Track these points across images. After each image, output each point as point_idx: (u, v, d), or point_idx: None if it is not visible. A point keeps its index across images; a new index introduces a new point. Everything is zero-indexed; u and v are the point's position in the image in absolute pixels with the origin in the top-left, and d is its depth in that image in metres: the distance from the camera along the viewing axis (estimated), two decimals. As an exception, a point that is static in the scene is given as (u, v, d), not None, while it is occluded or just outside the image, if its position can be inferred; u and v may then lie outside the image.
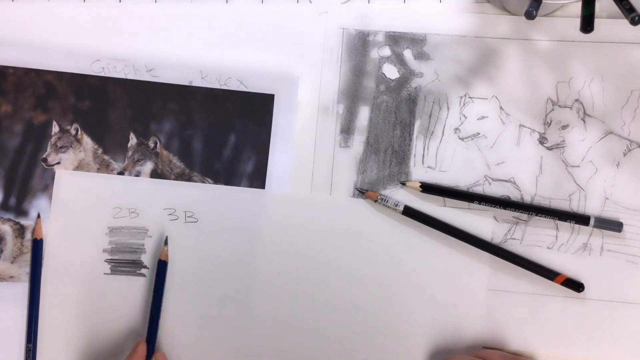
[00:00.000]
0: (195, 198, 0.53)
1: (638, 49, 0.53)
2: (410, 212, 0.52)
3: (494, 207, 0.52)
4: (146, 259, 0.53)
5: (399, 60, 0.55)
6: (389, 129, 0.54)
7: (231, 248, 0.53)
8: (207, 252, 0.53)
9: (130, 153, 0.54)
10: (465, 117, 0.54)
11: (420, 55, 0.54)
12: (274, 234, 0.53)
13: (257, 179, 0.54)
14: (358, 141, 0.54)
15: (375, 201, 0.52)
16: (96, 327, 0.52)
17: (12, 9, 0.56)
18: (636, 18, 0.41)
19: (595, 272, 0.52)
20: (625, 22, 0.43)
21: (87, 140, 0.54)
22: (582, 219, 0.52)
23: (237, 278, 0.53)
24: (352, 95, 0.54)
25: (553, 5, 0.52)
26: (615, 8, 0.44)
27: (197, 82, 0.55)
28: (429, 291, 0.52)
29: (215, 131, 0.54)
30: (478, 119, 0.54)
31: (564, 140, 0.53)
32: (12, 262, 0.53)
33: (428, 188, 0.52)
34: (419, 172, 0.54)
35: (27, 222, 0.53)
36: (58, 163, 0.54)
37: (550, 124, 0.53)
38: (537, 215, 0.52)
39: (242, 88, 0.55)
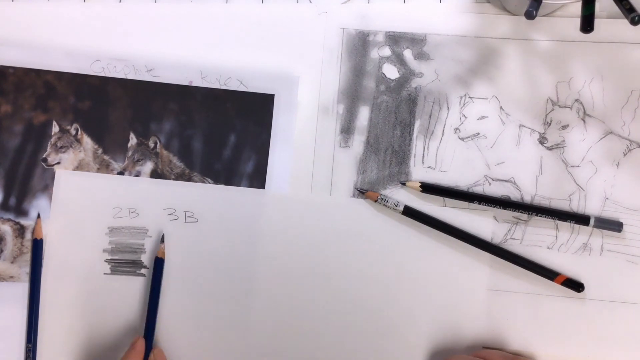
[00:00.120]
0: (195, 198, 0.53)
1: (638, 49, 0.53)
2: (410, 212, 0.52)
3: (494, 207, 0.52)
4: (146, 259, 0.53)
5: (399, 60, 0.55)
6: (389, 129, 0.54)
7: (231, 248, 0.53)
8: (207, 252, 0.53)
9: (130, 153, 0.54)
10: (465, 117, 0.54)
11: (420, 55, 0.54)
12: (274, 234, 0.53)
13: (257, 179, 0.54)
14: (358, 141, 0.54)
15: (375, 201, 0.52)
16: (96, 327, 0.52)
17: (12, 9, 0.56)
18: (636, 18, 0.41)
19: (595, 272, 0.52)
20: (625, 22, 0.43)
21: (87, 140, 0.54)
22: (582, 219, 0.52)
23: (237, 278, 0.53)
24: (352, 95, 0.54)
25: (553, 5, 0.52)
26: (615, 8, 0.44)
27: (197, 82, 0.55)
28: (429, 291, 0.52)
29: (215, 131, 0.54)
30: (478, 119, 0.54)
31: (564, 140, 0.53)
32: (12, 262, 0.53)
33: (428, 188, 0.52)
34: (419, 172, 0.54)
35: (27, 222, 0.53)
36: (58, 163, 0.54)
37: (550, 124, 0.53)
38: (537, 215, 0.52)
39: (242, 88, 0.55)
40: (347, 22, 0.55)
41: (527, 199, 0.53)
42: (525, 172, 0.53)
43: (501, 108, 0.54)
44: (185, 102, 0.54)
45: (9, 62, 0.55)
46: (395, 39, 0.55)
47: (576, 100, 0.53)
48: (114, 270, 0.53)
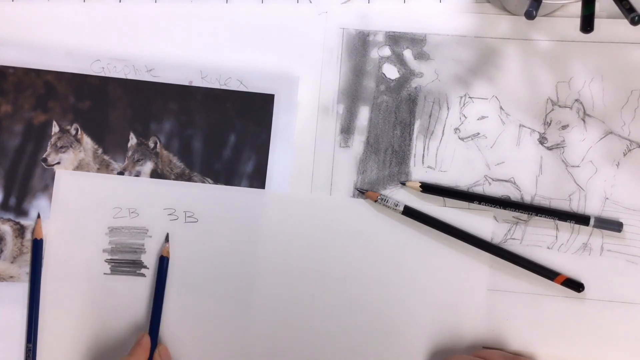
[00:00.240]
0: (195, 198, 0.53)
1: (638, 49, 0.53)
2: (410, 212, 0.52)
3: (494, 207, 0.52)
4: (146, 259, 0.53)
5: (399, 60, 0.55)
6: (389, 129, 0.54)
7: (231, 248, 0.53)
8: (207, 252, 0.53)
9: (130, 153, 0.54)
10: (465, 117, 0.54)
11: (420, 55, 0.54)
12: (274, 234, 0.53)
13: (257, 179, 0.54)
14: (358, 141, 0.54)
15: (375, 201, 0.52)
16: (96, 327, 0.52)
17: (12, 9, 0.56)
18: (636, 18, 0.41)
19: (595, 272, 0.52)
20: (625, 22, 0.43)
21: (87, 140, 0.54)
22: (582, 219, 0.52)
23: (237, 278, 0.53)
24: (352, 95, 0.54)
25: (553, 5, 0.52)
26: (615, 8, 0.44)
27: (197, 82, 0.55)
28: (429, 291, 0.52)
29: (215, 131, 0.54)
30: (478, 119, 0.54)
31: (564, 140, 0.53)
32: (12, 262, 0.53)
33: (428, 188, 0.52)
34: (419, 172, 0.54)
35: (27, 222, 0.53)
36: (58, 163, 0.54)
37: (550, 124, 0.53)
38: (537, 215, 0.52)
39: (242, 88, 0.55)
40: (347, 22, 0.55)
41: (527, 199, 0.53)
42: (525, 172, 0.53)
43: (501, 108, 0.54)
44: (185, 102, 0.54)
45: (9, 62, 0.55)
46: (395, 39, 0.55)
47: (576, 100, 0.53)
48: (114, 270, 0.53)
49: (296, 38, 0.55)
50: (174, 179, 0.54)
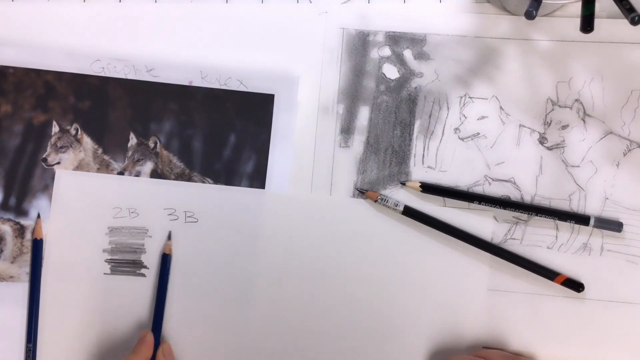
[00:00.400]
0: (195, 198, 0.53)
1: (638, 49, 0.53)
2: (410, 212, 0.52)
3: (494, 207, 0.52)
4: (146, 259, 0.53)
5: (399, 60, 0.55)
6: (389, 129, 0.54)
7: (231, 248, 0.53)
8: (207, 251, 0.53)
9: (130, 153, 0.54)
10: (465, 117, 0.54)
11: (420, 55, 0.54)
12: (274, 234, 0.53)
13: (257, 179, 0.54)
14: (358, 141, 0.54)
15: (375, 201, 0.52)
16: (96, 327, 0.52)
17: (12, 9, 0.56)
18: (636, 18, 0.41)
19: (595, 272, 0.52)
20: (625, 22, 0.43)
21: (87, 140, 0.54)
22: (582, 219, 0.52)
23: (237, 278, 0.53)
24: (352, 95, 0.54)
25: (553, 5, 0.52)
26: (615, 8, 0.44)
27: (197, 82, 0.55)
28: (429, 291, 0.52)
29: (215, 131, 0.54)
30: (478, 119, 0.54)
31: (564, 140, 0.53)
32: (12, 262, 0.53)
33: (428, 188, 0.52)
34: (419, 172, 0.54)
35: (27, 222, 0.53)
36: (58, 163, 0.54)
37: (550, 124, 0.53)
38: (537, 215, 0.52)
39: (242, 88, 0.55)
40: (347, 22, 0.55)
41: (527, 199, 0.53)
42: (525, 172, 0.53)
43: (501, 108, 0.54)
44: (185, 102, 0.54)
45: (9, 62, 0.55)
46: (395, 39, 0.55)
47: (576, 100, 0.53)
48: (114, 270, 0.53)
49: (296, 38, 0.55)
50: (174, 179, 0.54)
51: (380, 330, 0.52)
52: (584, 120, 0.53)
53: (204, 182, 0.54)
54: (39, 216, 0.53)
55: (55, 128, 0.54)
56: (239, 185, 0.54)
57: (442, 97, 0.54)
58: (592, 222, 0.51)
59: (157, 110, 0.54)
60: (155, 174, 0.54)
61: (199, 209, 0.53)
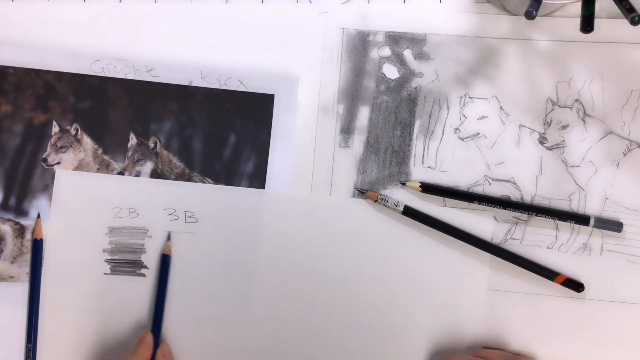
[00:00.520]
0: (195, 198, 0.53)
1: (638, 49, 0.53)
2: (410, 212, 0.52)
3: (494, 207, 0.52)
4: (146, 259, 0.53)
5: (399, 60, 0.55)
6: (389, 129, 0.54)
7: (231, 248, 0.53)
8: (207, 251, 0.53)
9: (130, 153, 0.54)
10: (465, 117, 0.54)
11: (420, 55, 0.54)
12: (274, 234, 0.53)
13: (257, 179, 0.54)
14: (358, 141, 0.54)
15: (375, 201, 0.52)
16: (96, 327, 0.52)
17: (12, 9, 0.56)
18: (636, 18, 0.41)
19: (595, 272, 0.52)
20: (625, 22, 0.43)
21: (87, 140, 0.54)
22: (582, 219, 0.52)
23: (237, 278, 0.53)
24: (352, 95, 0.54)
25: (553, 5, 0.52)
26: (615, 8, 0.44)
27: (197, 82, 0.55)
28: (429, 291, 0.52)
29: (215, 131, 0.54)
30: (478, 119, 0.54)
31: (564, 140, 0.53)
32: (12, 262, 0.53)
33: (428, 188, 0.52)
34: (419, 172, 0.54)
35: (27, 222, 0.53)
36: (58, 163, 0.54)
37: (550, 124, 0.53)
38: (537, 215, 0.52)
39: (242, 88, 0.55)
40: (347, 22, 0.55)
41: (527, 199, 0.53)
42: (525, 172, 0.53)
43: (501, 108, 0.54)
44: (185, 102, 0.54)
45: (9, 62, 0.55)
46: (395, 39, 0.55)
47: (576, 100, 0.53)
48: (114, 270, 0.53)
49: (296, 38, 0.55)
50: (174, 179, 0.54)
51: (380, 330, 0.52)
52: (584, 120, 0.53)
53: (204, 182, 0.54)
54: (39, 216, 0.53)
55: (55, 128, 0.54)
56: (239, 185, 0.54)
57: (442, 97, 0.54)
58: (592, 222, 0.51)
59: (157, 110, 0.54)
60: (155, 174, 0.54)
61: (199, 209, 0.53)
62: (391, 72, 0.54)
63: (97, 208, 0.53)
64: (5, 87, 0.54)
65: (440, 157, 0.54)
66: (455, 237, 0.52)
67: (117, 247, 0.53)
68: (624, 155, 0.53)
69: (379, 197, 0.52)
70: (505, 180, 0.53)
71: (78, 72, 0.55)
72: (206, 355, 0.52)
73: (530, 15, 0.43)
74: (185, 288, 0.53)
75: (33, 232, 0.53)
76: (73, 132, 0.54)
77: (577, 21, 0.44)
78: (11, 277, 0.53)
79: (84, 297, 0.53)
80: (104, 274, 0.53)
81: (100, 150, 0.54)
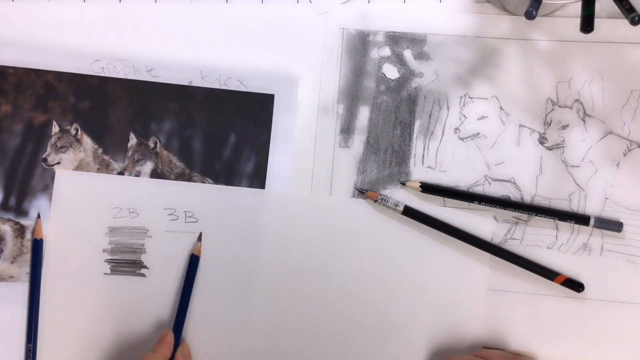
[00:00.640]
0: (195, 198, 0.53)
1: (638, 49, 0.53)
2: (410, 212, 0.52)
3: (494, 207, 0.52)
4: (146, 259, 0.53)
5: (399, 60, 0.55)
6: (389, 129, 0.54)
7: (231, 248, 0.53)
8: (207, 251, 0.53)
9: (130, 153, 0.54)
10: (465, 117, 0.54)
11: (420, 55, 0.54)
12: (274, 234, 0.53)
13: (257, 179, 0.54)
14: (358, 141, 0.54)
15: (375, 201, 0.52)
16: (96, 328, 0.52)
17: (12, 9, 0.56)
18: (636, 18, 0.41)
19: (595, 272, 0.52)
20: (625, 22, 0.43)
21: (87, 140, 0.54)
22: (582, 219, 0.51)
23: (237, 278, 0.53)
24: (352, 95, 0.54)
25: (553, 5, 0.52)
26: (615, 8, 0.44)
27: (197, 82, 0.55)
28: (429, 291, 0.52)
29: (215, 131, 0.54)
30: (478, 119, 0.54)
31: (564, 140, 0.53)
32: (12, 262, 0.53)
33: (428, 188, 0.52)
34: (419, 172, 0.54)
35: (27, 222, 0.53)
36: (58, 163, 0.54)
37: (550, 124, 0.53)
38: (537, 215, 0.52)
39: (242, 88, 0.55)
40: (347, 22, 0.55)
41: (527, 199, 0.53)
42: (525, 172, 0.53)
43: (501, 108, 0.54)
44: (185, 102, 0.54)
45: (9, 62, 0.55)
46: (395, 39, 0.55)
47: (576, 100, 0.53)
48: (114, 270, 0.53)
49: (296, 38, 0.55)
50: (174, 179, 0.54)
51: (380, 330, 0.52)
52: (584, 120, 0.53)
53: (204, 182, 0.54)
54: (39, 216, 0.53)
55: (55, 128, 0.54)
56: (239, 185, 0.54)
57: (442, 97, 0.54)
58: (592, 222, 0.51)
59: (157, 110, 0.54)
60: (155, 174, 0.54)
61: (199, 209, 0.53)
62: (391, 72, 0.54)
63: (97, 208, 0.53)
64: (5, 87, 0.54)
65: (440, 157, 0.54)
66: (455, 237, 0.52)
67: (117, 247, 0.53)
68: (624, 155, 0.53)
69: (379, 197, 0.52)
70: (505, 180, 0.53)
71: (78, 72, 0.55)
72: (206, 354, 0.52)
73: (530, 15, 0.43)
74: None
75: (33, 232, 0.53)
76: (73, 132, 0.54)
77: (577, 21, 0.44)
78: (11, 277, 0.53)
79: (84, 297, 0.53)
80: (104, 274, 0.53)
81: (100, 150, 0.54)
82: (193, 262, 0.52)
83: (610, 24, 0.53)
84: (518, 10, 0.53)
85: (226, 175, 0.54)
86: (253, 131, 0.54)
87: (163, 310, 0.52)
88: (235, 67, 0.55)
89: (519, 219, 0.53)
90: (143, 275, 0.53)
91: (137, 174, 0.54)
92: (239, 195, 0.53)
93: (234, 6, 0.56)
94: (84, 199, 0.53)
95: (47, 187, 0.54)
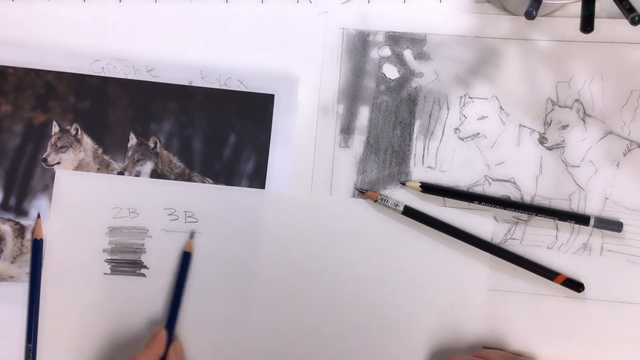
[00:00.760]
0: (195, 198, 0.53)
1: (638, 49, 0.53)
2: (410, 212, 0.52)
3: (494, 207, 0.52)
4: (146, 259, 0.53)
5: (399, 60, 0.55)
6: (389, 129, 0.54)
7: (231, 248, 0.53)
8: (207, 251, 0.53)
9: (130, 153, 0.54)
10: (465, 117, 0.54)
11: (420, 55, 0.54)
12: (274, 234, 0.53)
13: (257, 179, 0.54)
14: (358, 141, 0.54)
15: (375, 201, 0.52)
16: (96, 328, 0.52)
17: (12, 9, 0.56)
18: (636, 18, 0.41)
19: (595, 272, 0.52)
20: (625, 22, 0.43)
21: (87, 140, 0.54)
22: (582, 219, 0.52)
23: (237, 278, 0.53)
24: (352, 95, 0.54)
25: (553, 5, 0.52)
26: (615, 8, 0.44)
27: (197, 82, 0.55)
28: (429, 291, 0.52)
29: (215, 131, 0.54)
30: (478, 119, 0.54)
31: (564, 140, 0.53)
32: (12, 262, 0.53)
33: (428, 188, 0.52)
34: (419, 172, 0.54)
35: (27, 222, 0.53)
36: (58, 163, 0.54)
37: (550, 124, 0.53)
38: (537, 215, 0.52)
39: (242, 88, 0.55)
40: (347, 22, 0.55)
41: (527, 199, 0.53)
42: (525, 172, 0.53)
43: (501, 108, 0.54)
44: (185, 102, 0.54)
45: (9, 62, 0.55)
46: (395, 39, 0.55)
47: (576, 100, 0.53)
48: (114, 270, 0.53)
49: (296, 38, 0.55)
50: (174, 179, 0.54)
51: (380, 330, 0.52)
52: (584, 120, 0.53)
53: (204, 182, 0.54)
54: (39, 216, 0.53)
55: (55, 128, 0.54)
56: (239, 185, 0.54)
57: (442, 97, 0.54)
58: (592, 222, 0.51)
59: (157, 110, 0.55)
60: (155, 174, 0.54)
61: (199, 209, 0.53)
62: (391, 72, 0.54)
63: (97, 208, 0.53)
64: (5, 87, 0.54)
65: (440, 157, 0.54)
66: (455, 237, 0.52)
67: (117, 247, 0.53)
68: (624, 155, 0.53)
69: (379, 197, 0.52)
70: (505, 180, 0.53)
71: (78, 72, 0.55)
72: (206, 354, 0.52)
73: (530, 15, 0.43)
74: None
75: (33, 232, 0.53)
76: (73, 132, 0.54)
77: (577, 21, 0.44)
78: (11, 277, 0.53)
79: (84, 297, 0.53)
80: (104, 274, 0.53)
81: (100, 150, 0.54)
82: (185, 259, 0.52)
83: (610, 24, 0.53)
84: (518, 10, 0.53)
85: (226, 175, 0.54)
86: (253, 131, 0.54)
87: (163, 310, 0.52)
88: (235, 67, 0.55)
89: (519, 219, 0.53)
90: (143, 275, 0.53)
91: (137, 174, 0.54)
92: (239, 195, 0.53)
93: (234, 6, 0.56)
94: (84, 199, 0.53)
95: (47, 187, 0.54)
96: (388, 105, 0.54)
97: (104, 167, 0.54)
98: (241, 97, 0.54)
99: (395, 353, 0.52)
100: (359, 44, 0.55)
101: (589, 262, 0.52)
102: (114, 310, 0.52)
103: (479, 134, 0.54)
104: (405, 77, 0.54)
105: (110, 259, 0.53)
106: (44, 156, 0.54)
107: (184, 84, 0.55)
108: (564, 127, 0.53)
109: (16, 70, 0.55)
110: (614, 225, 0.51)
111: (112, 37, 0.55)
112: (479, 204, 0.52)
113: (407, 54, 0.55)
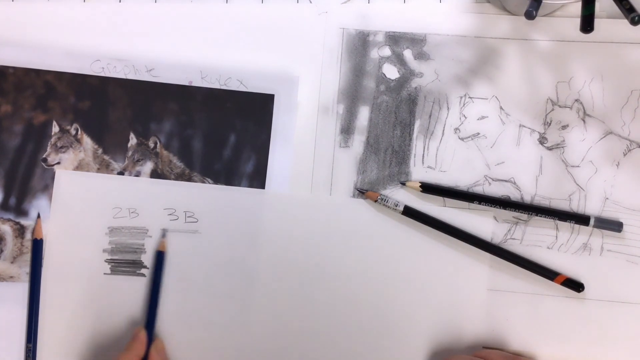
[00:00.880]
0: (195, 198, 0.53)
1: (638, 49, 0.53)
2: (410, 212, 0.52)
3: (494, 207, 0.52)
4: (146, 259, 0.53)
5: (399, 60, 0.55)
6: (389, 129, 0.54)
7: (231, 248, 0.53)
8: (207, 251, 0.53)
9: (130, 153, 0.54)
10: (465, 117, 0.54)
11: (420, 55, 0.54)
12: (274, 234, 0.53)
13: (257, 179, 0.54)
14: (358, 141, 0.54)
15: (375, 201, 0.52)
16: (96, 327, 0.52)
17: (12, 9, 0.56)
18: (636, 18, 0.41)
19: (595, 272, 0.52)
20: (625, 22, 0.43)
21: (87, 140, 0.54)
22: (582, 219, 0.52)
23: (237, 278, 0.53)
24: (352, 95, 0.54)
25: (553, 5, 0.52)
26: (615, 8, 0.44)
27: (197, 82, 0.55)
28: (429, 291, 0.52)
29: (215, 131, 0.54)
30: (478, 119, 0.54)
31: (564, 140, 0.53)
32: (12, 262, 0.53)
33: (428, 188, 0.52)
34: (419, 172, 0.54)
35: (27, 222, 0.53)
36: (58, 163, 0.54)
37: (550, 124, 0.53)
38: (537, 215, 0.52)
39: (242, 88, 0.55)
40: (347, 22, 0.55)
41: (527, 199, 0.53)
42: (525, 172, 0.53)
43: (501, 108, 0.54)
44: (185, 102, 0.54)
45: (9, 62, 0.55)
46: (395, 39, 0.55)
47: (576, 100, 0.53)
48: (114, 270, 0.53)
49: (296, 38, 0.55)
50: (174, 179, 0.54)
51: (380, 330, 0.52)
52: (584, 120, 0.53)
53: (204, 182, 0.54)
54: (39, 216, 0.53)
55: (55, 128, 0.54)
56: (239, 185, 0.54)
57: (442, 97, 0.54)
58: (592, 222, 0.51)
59: (157, 110, 0.55)
60: (155, 174, 0.54)
61: (199, 209, 0.53)
62: (391, 72, 0.54)
63: (97, 208, 0.53)
64: (5, 87, 0.54)
65: (440, 157, 0.54)
66: (455, 237, 0.52)
67: (117, 247, 0.53)
68: (624, 155, 0.53)
69: (379, 197, 0.52)
70: (505, 180, 0.53)
71: (78, 72, 0.55)
72: (206, 354, 0.52)
73: (530, 15, 0.43)
74: (185, 288, 0.53)
75: (33, 232, 0.53)
76: (73, 132, 0.54)
77: (577, 21, 0.44)
78: (11, 277, 0.53)
79: (84, 297, 0.53)
80: (104, 274, 0.53)
81: (100, 150, 0.54)
82: (159, 258, 0.52)
83: (610, 24, 0.53)
84: (518, 10, 0.53)
85: (226, 175, 0.54)
86: (253, 131, 0.54)
87: (161, 308, 0.52)
88: (235, 67, 0.55)
89: (519, 219, 0.53)
90: (143, 275, 0.53)
91: (137, 174, 0.54)
92: (239, 195, 0.53)
93: (234, 6, 0.56)
94: (84, 199, 0.53)
95: (47, 187, 0.54)
96: (388, 105, 0.54)
97: (104, 167, 0.54)
98: (241, 97, 0.54)
99: (395, 353, 0.52)
100: (359, 44, 0.55)
101: (588, 262, 0.52)
102: (114, 310, 0.52)
103: (479, 134, 0.54)
104: (405, 77, 0.54)
105: (110, 259, 0.53)
106: (44, 156, 0.54)
107: (184, 84, 0.55)
108: (564, 127, 0.53)
109: (16, 70, 0.55)
110: (614, 225, 0.51)
111: (112, 37, 0.55)
112: (479, 204, 0.52)
113: (407, 54, 0.55)
